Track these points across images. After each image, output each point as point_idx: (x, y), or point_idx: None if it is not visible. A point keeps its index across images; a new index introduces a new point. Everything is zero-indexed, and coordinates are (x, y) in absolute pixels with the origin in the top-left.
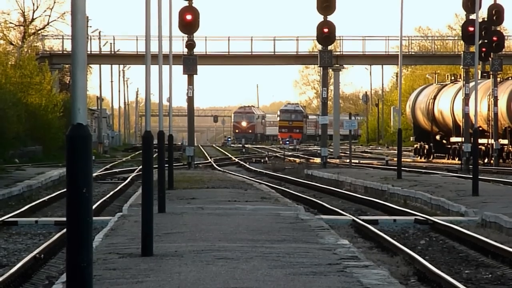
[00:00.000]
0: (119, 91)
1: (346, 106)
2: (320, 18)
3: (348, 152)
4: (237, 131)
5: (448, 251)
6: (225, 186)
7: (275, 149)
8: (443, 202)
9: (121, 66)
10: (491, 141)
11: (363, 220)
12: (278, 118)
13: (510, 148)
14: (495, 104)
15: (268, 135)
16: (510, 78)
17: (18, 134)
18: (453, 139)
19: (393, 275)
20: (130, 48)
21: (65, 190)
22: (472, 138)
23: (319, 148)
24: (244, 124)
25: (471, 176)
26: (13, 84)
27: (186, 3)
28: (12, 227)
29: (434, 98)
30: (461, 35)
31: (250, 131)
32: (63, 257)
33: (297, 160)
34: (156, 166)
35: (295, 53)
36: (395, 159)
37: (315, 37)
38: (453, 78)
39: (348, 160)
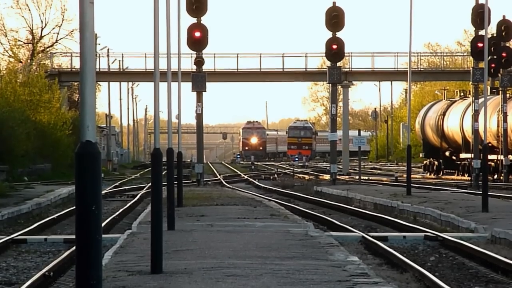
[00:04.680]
0: (128, 108)
1: (355, 122)
2: (329, 34)
3: (357, 169)
4: (246, 148)
5: (458, 268)
6: (234, 203)
7: (284, 166)
8: (452, 219)
9: (130, 83)
10: (501, 157)
11: (372, 237)
12: (287, 135)
13: None
14: (505, 120)
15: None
16: None
17: (27, 152)
18: (463, 155)
19: None
20: (139, 65)
21: (74, 207)
22: (481, 154)
23: (328, 165)
24: (254, 140)
25: (481, 192)
26: (22, 102)
27: (194, 20)
28: (21, 245)
29: (444, 114)
30: (470, 51)
31: (261, 147)
32: (73, 274)
33: (306, 176)
34: (165, 183)
35: (304, 69)
36: (405, 175)
37: (324, 54)
38: (462, 94)
39: (357, 177)
